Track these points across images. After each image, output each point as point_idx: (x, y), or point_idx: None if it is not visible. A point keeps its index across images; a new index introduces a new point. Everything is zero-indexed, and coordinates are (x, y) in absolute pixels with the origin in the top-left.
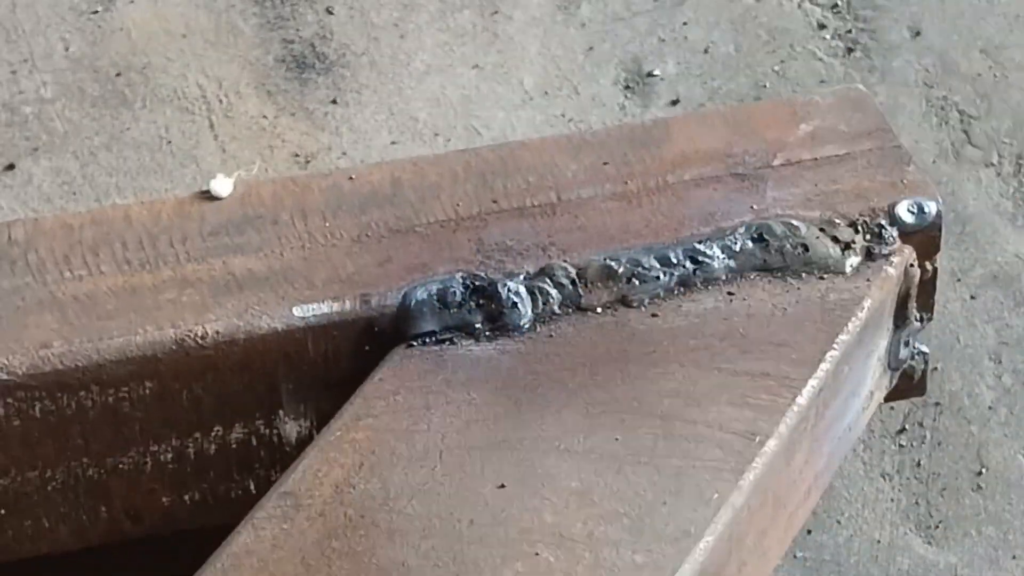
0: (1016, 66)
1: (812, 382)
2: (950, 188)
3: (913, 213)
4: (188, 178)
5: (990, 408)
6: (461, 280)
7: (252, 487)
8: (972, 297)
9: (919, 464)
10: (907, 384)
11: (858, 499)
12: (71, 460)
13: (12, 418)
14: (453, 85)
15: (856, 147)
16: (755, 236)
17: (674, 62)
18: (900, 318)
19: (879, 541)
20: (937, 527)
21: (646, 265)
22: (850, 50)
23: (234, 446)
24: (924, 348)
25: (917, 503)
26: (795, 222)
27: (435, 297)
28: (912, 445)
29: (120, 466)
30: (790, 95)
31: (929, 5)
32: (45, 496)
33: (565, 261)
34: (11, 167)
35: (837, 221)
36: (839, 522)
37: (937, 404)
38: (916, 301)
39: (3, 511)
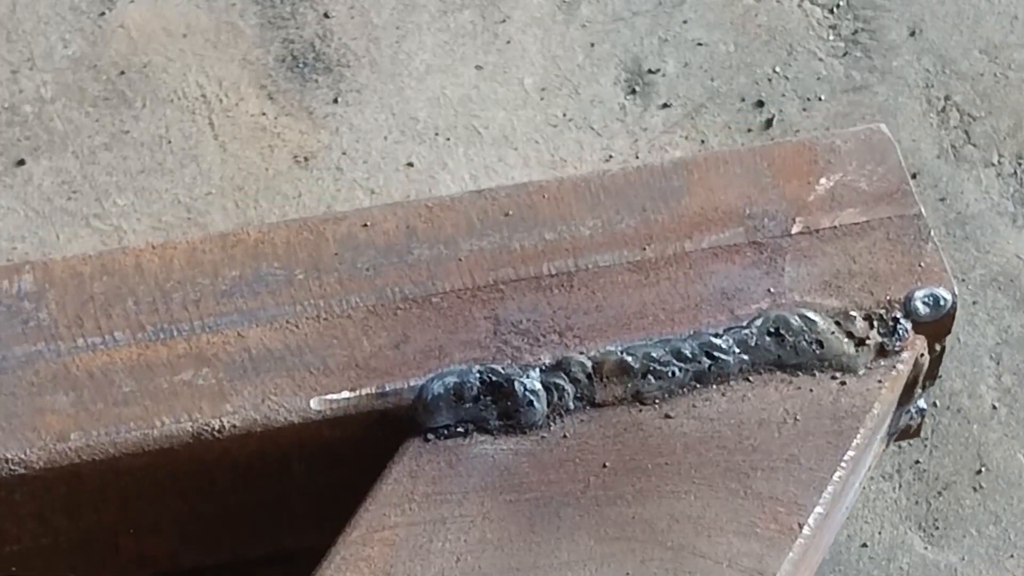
0: (1016, 66)
1: (819, 508)
2: (950, 188)
3: (928, 306)
4: (188, 178)
5: (991, 408)
6: (478, 375)
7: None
8: (972, 297)
9: (919, 464)
10: (903, 433)
11: (858, 499)
12: (83, 527)
13: (27, 502)
14: (453, 85)
15: (875, 214)
16: (771, 330)
17: (674, 62)
18: (906, 398)
19: (879, 541)
20: (937, 527)
21: (662, 361)
22: (850, 50)
23: (243, 513)
24: (923, 405)
25: (917, 503)
26: (811, 315)
27: (451, 392)
28: (912, 445)
29: (130, 529)
30: (811, 135)
31: (929, 5)
32: (55, 554)
33: (581, 353)
34: (22, 162)
35: (853, 314)
36: None
37: (937, 404)
38: (923, 380)
39: (14, 568)
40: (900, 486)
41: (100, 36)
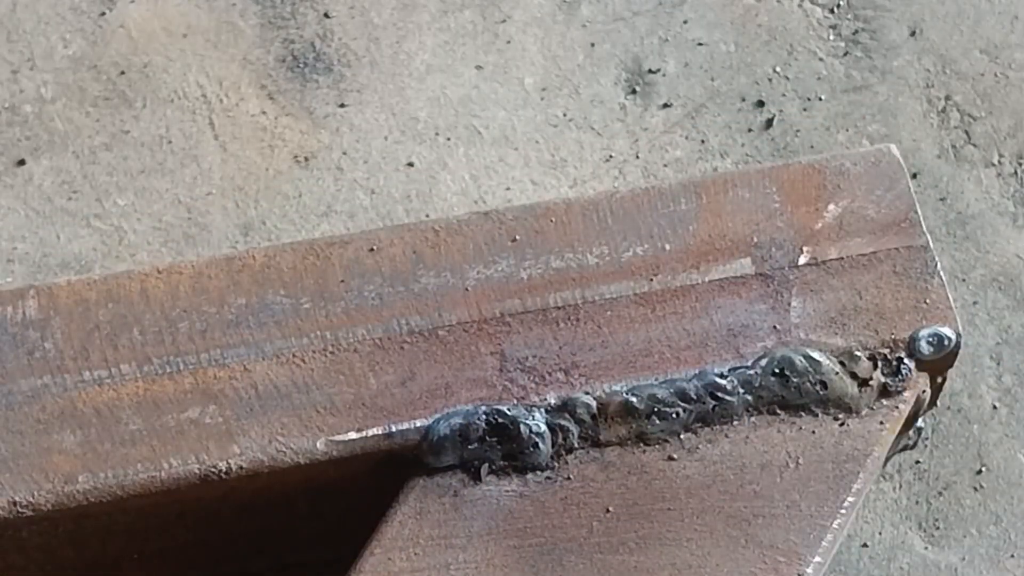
0: (1016, 66)
1: (817, 558)
2: (950, 188)
3: (932, 345)
4: (188, 178)
5: (992, 408)
6: (484, 416)
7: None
8: (972, 297)
9: (919, 464)
10: (900, 450)
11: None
12: (88, 559)
13: (34, 537)
14: (454, 85)
15: (882, 244)
16: (776, 371)
17: (675, 62)
18: (905, 430)
19: (880, 541)
20: (937, 527)
21: (667, 402)
22: (850, 50)
23: (246, 538)
24: (920, 424)
25: (917, 503)
26: (816, 355)
27: (457, 433)
28: None
29: (134, 556)
30: (821, 157)
31: (929, 5)
32: None
33: (587, 394)
34: (22, 162)
35: (857, 354)
36: None
37: (937, 404)
38: (924, 411)
39: None
40: (900, 486)
41: (100, 36)
